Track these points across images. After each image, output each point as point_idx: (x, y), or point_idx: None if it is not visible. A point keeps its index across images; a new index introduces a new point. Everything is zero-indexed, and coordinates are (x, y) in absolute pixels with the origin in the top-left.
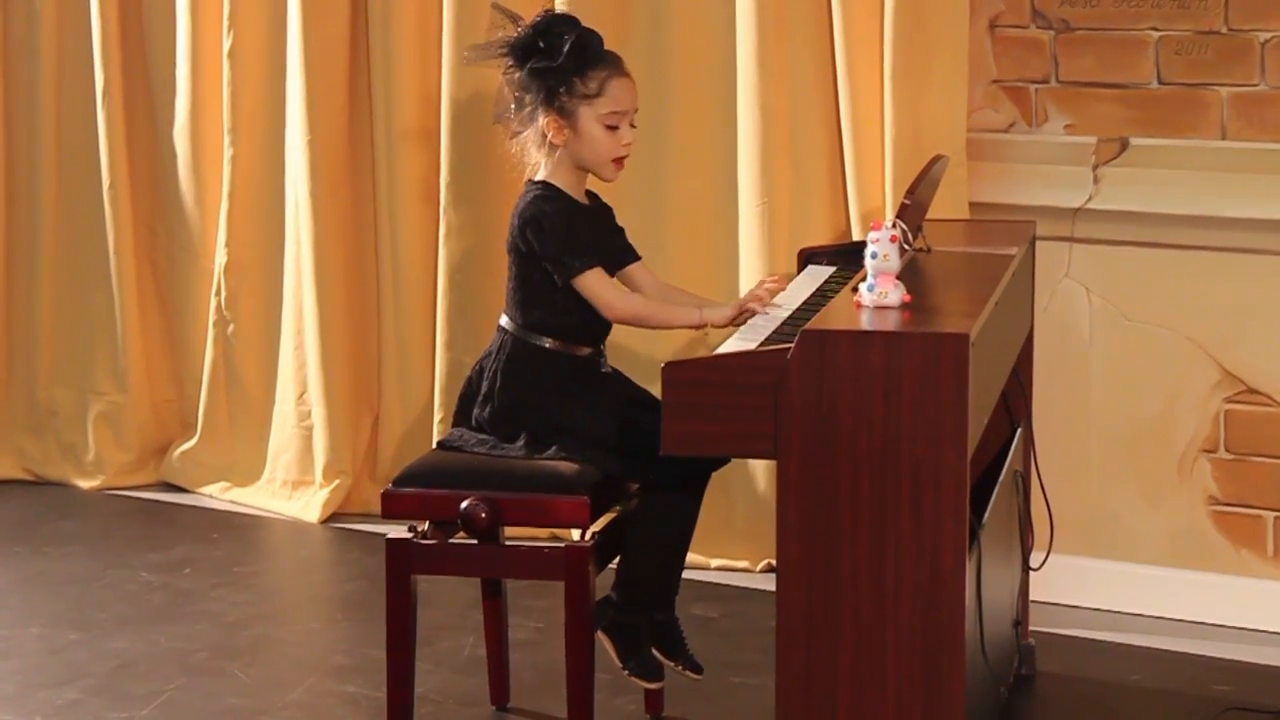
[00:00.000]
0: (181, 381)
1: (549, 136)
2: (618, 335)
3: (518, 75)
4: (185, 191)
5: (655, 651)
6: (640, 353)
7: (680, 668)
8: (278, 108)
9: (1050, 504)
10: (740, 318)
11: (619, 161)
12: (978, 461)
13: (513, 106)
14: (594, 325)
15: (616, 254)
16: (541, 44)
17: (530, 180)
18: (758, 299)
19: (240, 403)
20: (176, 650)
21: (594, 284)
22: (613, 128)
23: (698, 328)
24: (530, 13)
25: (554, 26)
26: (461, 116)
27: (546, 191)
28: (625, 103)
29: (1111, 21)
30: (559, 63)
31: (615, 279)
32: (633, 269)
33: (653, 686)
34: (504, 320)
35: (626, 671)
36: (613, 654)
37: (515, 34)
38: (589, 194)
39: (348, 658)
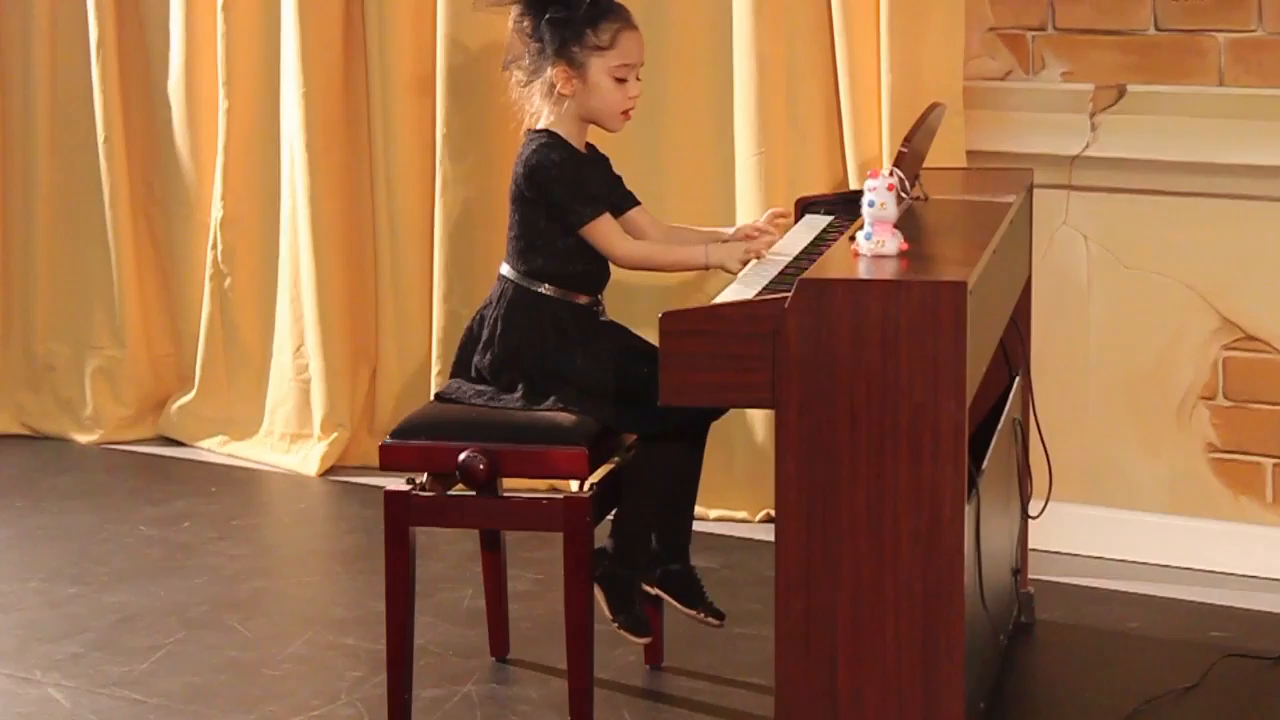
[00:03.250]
0: (179, 335)
1: (558, 87)
2: (616, 283)
3: (528, 24)
4: (180, 145)
5: (674, 601)
6: (638, 304)
7: (702, 615)
8: (273, 60)
9: (1049, 452)
10: (745, 257)
11: (626, 113)
12: (976, 410)
13: (526, 55)
14: (594, 273)
15: (618, 200)
16: None
17: (532, 130)
18: (760, 239)
19: (238, 356)
20: (176, 604)
21: (604, 231)
22: (621, 80)
23: (705, 268)
24: None
25: None
26: (458, 68)
27: (550, 140)
28: (634, 55)
29: None
30: (576, 13)
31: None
32: (634, 213)
33: (640, 642)
34: (504, 269)
35: (616, 624)
36: (603, 605)
37: None
38: (587, 145)
39: (347, 610)
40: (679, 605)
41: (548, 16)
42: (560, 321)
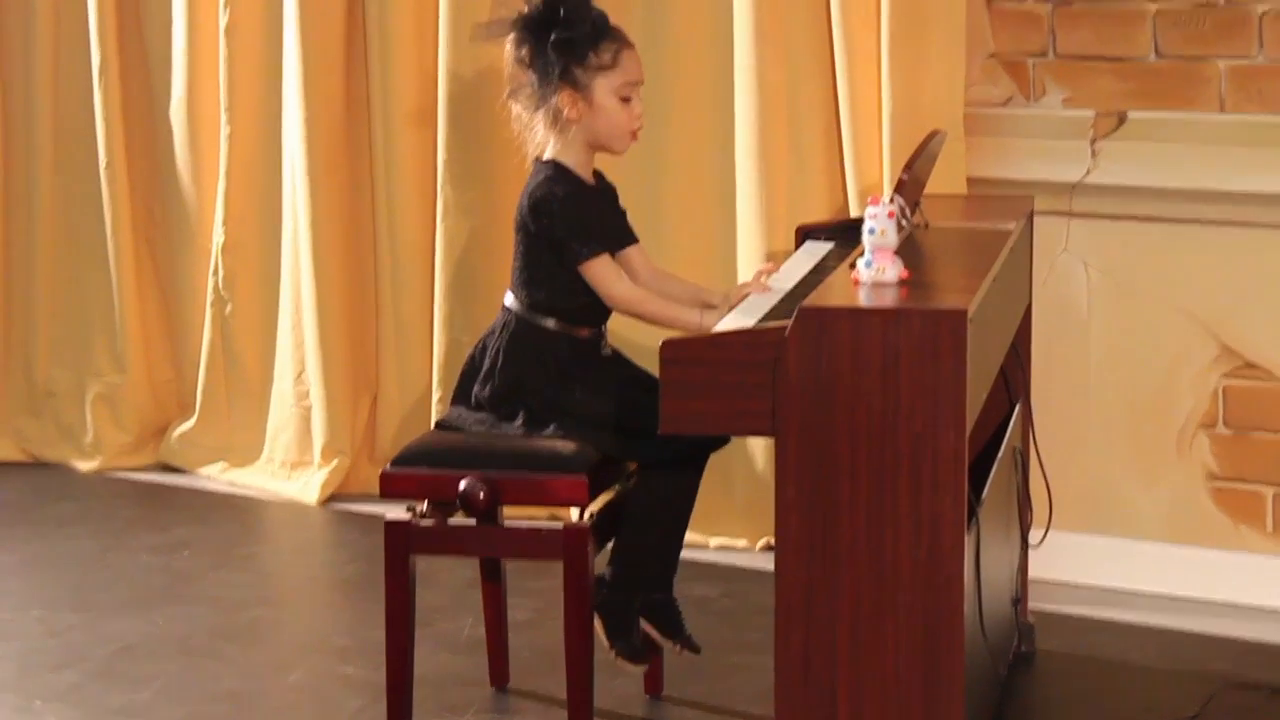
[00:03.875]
0: (180, 362)
1: (565, 112)
2: (617, 315)
3: (527, 51)
4: (182, 170)
5: (653, 630)
6: (641, 334)
7: (678, 648)
8: (275, 85)
9: (1049, 480)
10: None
11: (634, 133)
12: (976, 438)
13: (529, 84)
14: (597, 308)
15: (619, 234)
16: (562, 13)
17: (539, 159)
18: (758, 287)
19: (238, 383)
20: (176, 632)
21: (600, 271)
22: (626, 99)
23: (699, 333)
24: None
25: None
26: (459, 96)
27: (556, 173)
28: (636, 73)
29: None
30: (581, 33)
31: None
32: (630, 251)
33: (638, 669)
34: (509, 299)
35: (614, 652)
36: (601, 633)
37: (525, 9)
38: (595, 173)
39: (347, 639)
40: (657, 634)
41: (553, 39)
42: (562, 356)
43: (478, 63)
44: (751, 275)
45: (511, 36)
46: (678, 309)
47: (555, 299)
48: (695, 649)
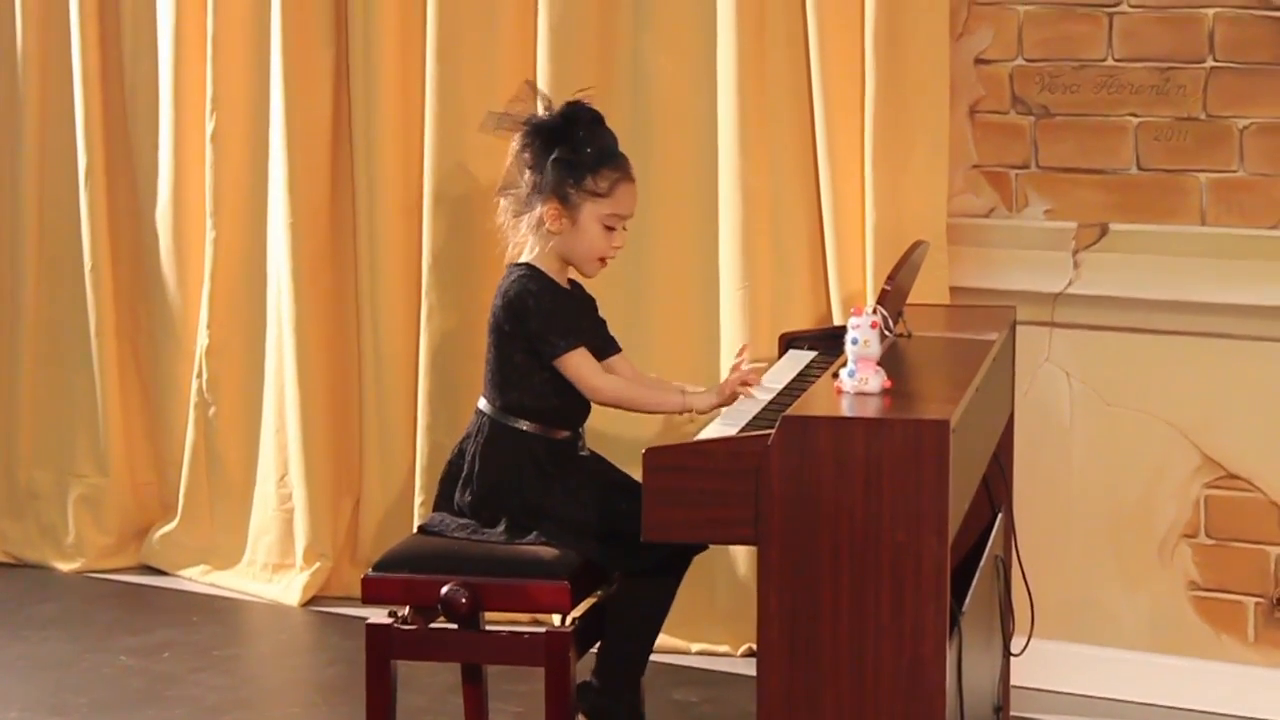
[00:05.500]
0: (162, 464)
1: (546, 224)
2: (598, 420)
3: (530, 155)
4: (167, 273)
5: None
6: (623, 436)
7: None
8: (260, 190)
9: (1031, 589)
10: (724, 401)
11: (604, 260)
12: (958, 546)
13: (522, 184)
14: (572, 409)
15: (600, 342)
16: (568, 134)
17: (513, 263)
18: (744, 384)
19: (221, 485)
20: None
21: (577, 364)
22: (610, 229)
23: (681, 412)
24: (514, 69)
25: (581, 117)
26: (444, 201)
27: (531, 272)
28: (627, 208)
29: (1091, 107)
30: (584, 157)
31: None
32: (615, 360)
33: None
34: (482, 403)
35: None
36: None
37: (542, 115)
38: (572, 283)
39: None
40: None
41: (554, 157)
42: (538, 458)
43: (463, 169)
44: (731, 375)
45: (519, 136)
46: (659, 393)
47: (529, 401)
48: None
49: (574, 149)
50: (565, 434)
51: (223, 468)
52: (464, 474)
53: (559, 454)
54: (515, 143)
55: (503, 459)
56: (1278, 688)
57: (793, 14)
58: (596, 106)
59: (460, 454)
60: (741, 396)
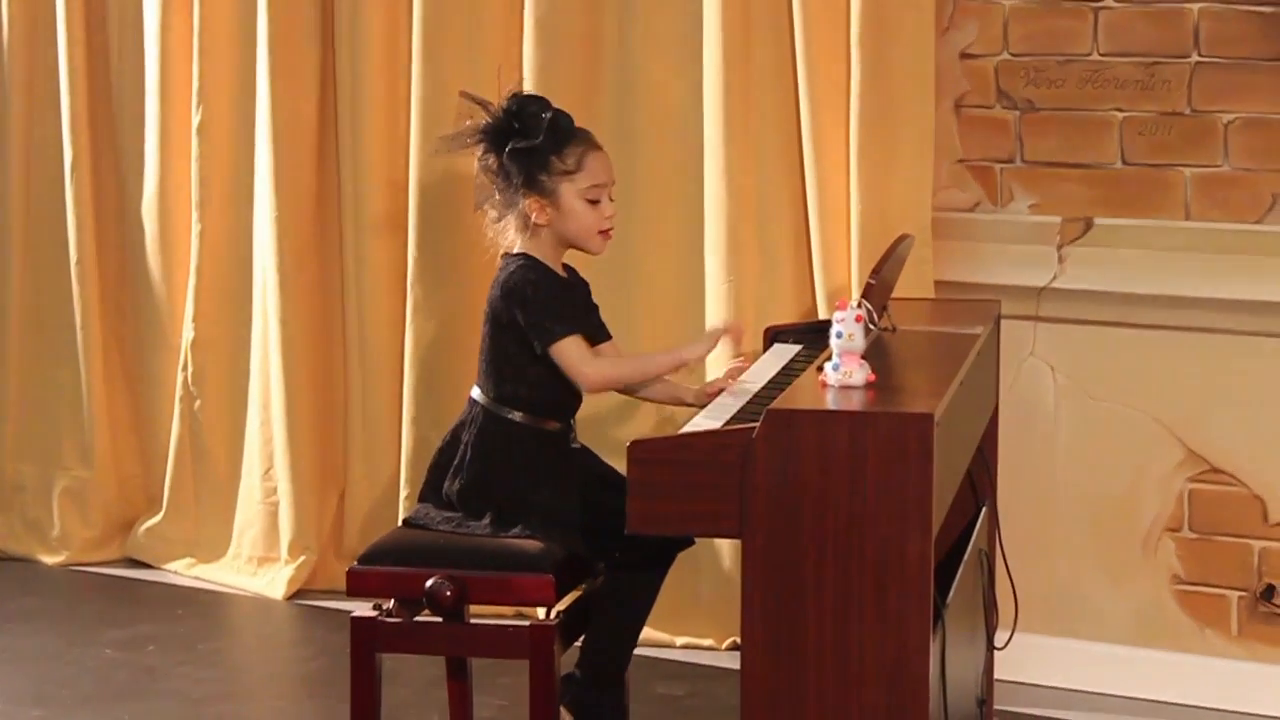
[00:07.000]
0: (147, 457)
1: (532, 218)
2: (588, 411)
3: (493, 160)
4: (153, 267)
5: None
6: (615, 431)
7: None
8: (246, 184)
9: (1015, 582)
10: (712, 389)
11: (605, 233)
12: (942, 540)
13: (496, 191)
14: (564, 401)
15: (592, 329)
16: (517, 125)
17: (508, 254)
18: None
19: (206, 479)
20: None
21: (571, 351)
22: (594, 201)
23: (676, 367)
24: (494, 96)
25: (527, 106)
26: (430, 196)
27: (529, 262)
28: (603, 175)
29: (1076, 102)
30: (538, 141)
31: None
32: (604, 347)
33: None
34: (475, 392)
35: None
36: None
37: (487, 119)
38: (566, 267)
39: None
40: None
41: (509, 148)
42: (529, 450)
43: (449, 163)
44: (722, 373)
45: (480, 147)
46: (650, 357)
47: (522, 392)
48: None
49: (526, 135)
50: (557, 425)
51: (208, 461)
52: (455, 462)
53: (550, 446)
54: (477, 155)
55: (494, 452)
56: (1261, 681)
57: (778, 9)
58: (583, 103)
59: (454, 441)
60: (725, 391)
